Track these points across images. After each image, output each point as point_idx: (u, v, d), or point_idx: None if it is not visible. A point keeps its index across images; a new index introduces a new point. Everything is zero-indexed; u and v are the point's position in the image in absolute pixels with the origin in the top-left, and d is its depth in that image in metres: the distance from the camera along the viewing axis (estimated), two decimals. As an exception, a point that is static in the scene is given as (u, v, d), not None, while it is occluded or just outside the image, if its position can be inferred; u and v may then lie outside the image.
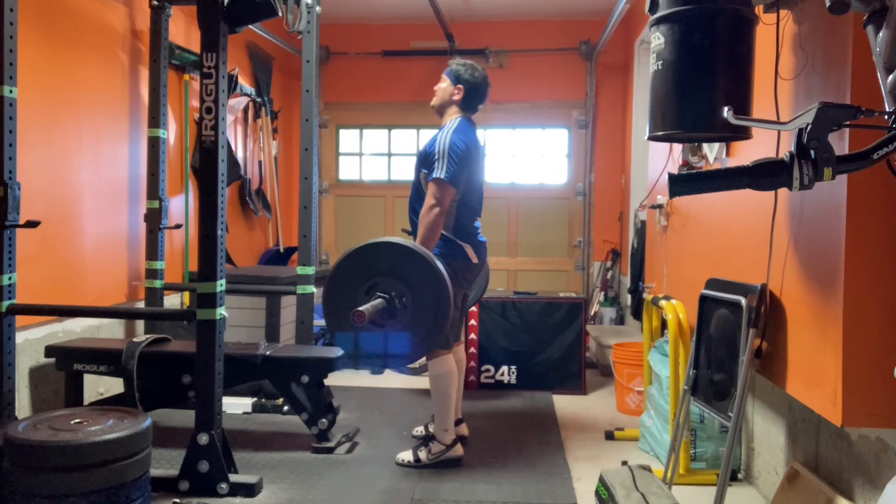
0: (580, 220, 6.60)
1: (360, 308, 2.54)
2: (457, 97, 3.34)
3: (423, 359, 4.74)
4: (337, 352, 3.43)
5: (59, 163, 3.47)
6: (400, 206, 6.70)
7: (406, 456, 3.26)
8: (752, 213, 2.65)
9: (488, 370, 4.71)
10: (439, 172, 3.13)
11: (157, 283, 4.09)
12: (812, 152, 1.60)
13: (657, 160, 4.06)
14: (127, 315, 3.96)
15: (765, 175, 1.69)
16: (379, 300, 2.68)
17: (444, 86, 3.39)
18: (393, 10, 6.25)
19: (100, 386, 3.77)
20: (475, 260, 3.31)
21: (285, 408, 3.89)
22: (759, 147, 2.46)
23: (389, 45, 6.62)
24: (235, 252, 5.34)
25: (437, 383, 3.24)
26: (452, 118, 3.33)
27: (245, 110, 5.60)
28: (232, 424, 3.66)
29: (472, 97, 3.35)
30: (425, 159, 3.24)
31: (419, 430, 3.66)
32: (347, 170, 6.90)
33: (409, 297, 2.72)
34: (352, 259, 2.78)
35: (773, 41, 2.35)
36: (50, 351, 3.26)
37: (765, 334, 2.48)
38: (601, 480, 2.61)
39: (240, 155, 5.49)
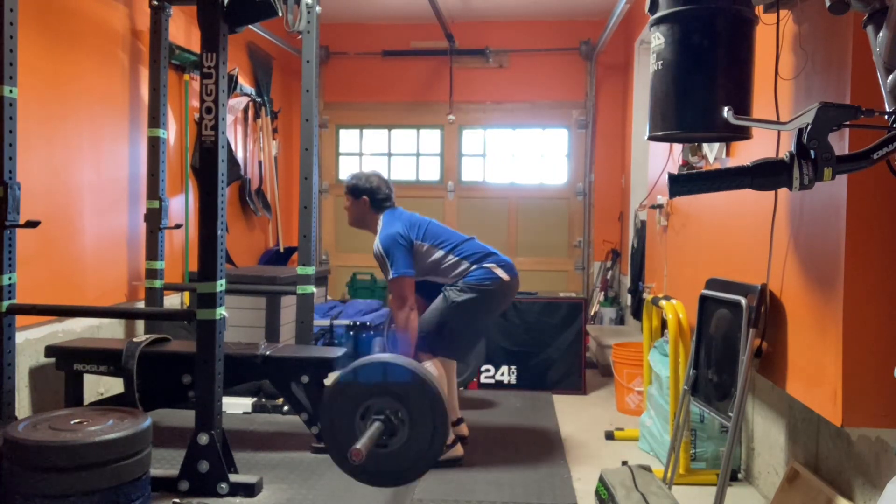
0: (580, 220, 6.60)
1: (356, 446, 2.48)
2: (367, 206, 3.50)
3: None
4: (337, 352, 3.42)
5: (59, 163, 3.47)
6: (399, 205, 6.68)
7: (406, 456, 3.26)
8: (752, 213, 2.65)
9: (488, 370, 4.70)
10: (390, 273, 3.33)
11: (157, 283, 4.08)
12: (812, 152, 1.60)
13: (657, 160, 4.06)
14: (127, 315, 3.97)
15: (765, 175, 1.69)
16: (375, 425, 2.64)
17: (349, 205, 3.55)
18: (393, 10, 6.25)
19: (100, 386, 3.77)
20: (506, 277, 3.39)
21: (285, 408, 3.89)
22: (759, 147, 2.46)
23: (389, 45, 6.62)
24: (235, 252, 5.34)
25: None
26: (377, 221, 3.48)
27: (245, 110, 5.60)
28: (232, 424, 3.66)
29: (379, 197, 3.50)
30: (381, 267, 3.41)
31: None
32: (347, 170, 6.89)
33: (404, 411, 2.70)
34: (338, 391, 2.76)
35: (773, 41, 2.35)
36: (50, 351, 3.26)
37: (765, 334, 2.48)
38: (601, 480, 2.61)
39: (240, 155, 5.49)
